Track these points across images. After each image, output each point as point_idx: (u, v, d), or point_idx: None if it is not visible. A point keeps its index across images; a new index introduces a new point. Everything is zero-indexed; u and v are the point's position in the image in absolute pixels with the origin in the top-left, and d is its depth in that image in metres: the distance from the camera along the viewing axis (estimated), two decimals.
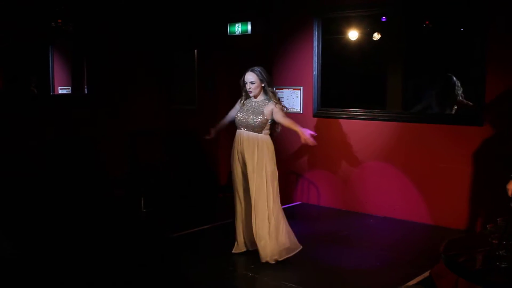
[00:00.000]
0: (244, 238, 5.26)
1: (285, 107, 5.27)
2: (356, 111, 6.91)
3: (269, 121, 5.09)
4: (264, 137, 5.10)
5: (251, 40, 7.70)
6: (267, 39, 7.67)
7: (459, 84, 6.43)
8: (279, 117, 5.07)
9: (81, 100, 7.76)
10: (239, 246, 5.29)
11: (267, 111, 5.05)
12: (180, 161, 8.13)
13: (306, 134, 4.99)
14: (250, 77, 5.08)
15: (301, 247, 5.13)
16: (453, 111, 6.45)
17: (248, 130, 5.09)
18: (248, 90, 5.10)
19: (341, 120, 7.01)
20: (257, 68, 5.13)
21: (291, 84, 7.37)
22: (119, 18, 7.84)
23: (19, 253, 5.17)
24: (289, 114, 7.23)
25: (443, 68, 6.71)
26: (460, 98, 6.40)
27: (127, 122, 7.92)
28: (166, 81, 8.60)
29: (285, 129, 5.21)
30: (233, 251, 5.29)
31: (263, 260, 4.99)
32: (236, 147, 5.16)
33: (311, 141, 4.99)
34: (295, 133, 5.06)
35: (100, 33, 7.71)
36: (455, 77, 6.47)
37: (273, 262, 4.99)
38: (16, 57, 7.39)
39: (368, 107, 6.89)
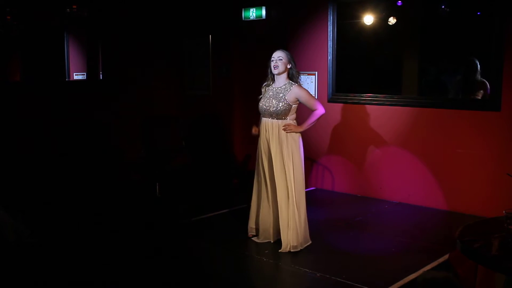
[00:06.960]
0: (263, 226, 5.21)
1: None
2: (371, 96, 6.86)
3: (293, 106, 4.99)
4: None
5: (265, 25, 7.66)
6: (281, 24, 7.63)
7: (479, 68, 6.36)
8: (307, 99, 5.01)
9: (96, 85, 7.78)
10: (260, 236, 5.24)
11: (291, 96, 4.94)
12: (195, 146, 8.15)
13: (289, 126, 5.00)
14: (279, 54, 5.00)
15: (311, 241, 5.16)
16: (479, 96, 6.34)
17: (271, 118, 5.01)
18: (274, 66, 4.98)
19: (356, 106, 6.97)
20: (286, 51, 5.11)
21: (306, 69, 7.33)
22: (133, 3, 7.84)
23: (36, 237, 5.23)
24: None
25: (459, 53, 6.63)
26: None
27: (142, 108, 7.95)
28: (180, 66, 8.61)
29: (299, 114, 5.16)
30: (258, 241, 5.23)
31: (283, 250, 4.95)
32: (263, 135, 5.07)
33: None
34: (309, 118, 5.03)
35: (115, 19, 7.72)
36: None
37: (291, 250, 4.95)
38: (32, 44, 7.43)
39: (384, 92, 6.84)
